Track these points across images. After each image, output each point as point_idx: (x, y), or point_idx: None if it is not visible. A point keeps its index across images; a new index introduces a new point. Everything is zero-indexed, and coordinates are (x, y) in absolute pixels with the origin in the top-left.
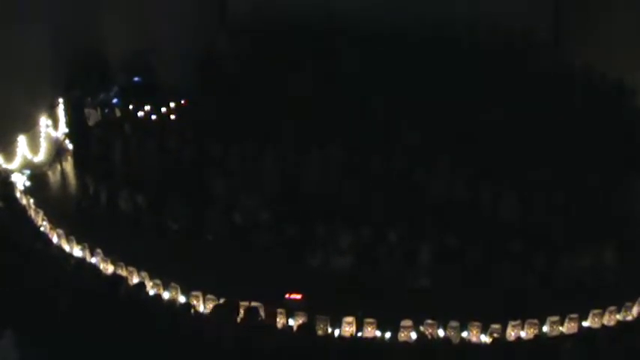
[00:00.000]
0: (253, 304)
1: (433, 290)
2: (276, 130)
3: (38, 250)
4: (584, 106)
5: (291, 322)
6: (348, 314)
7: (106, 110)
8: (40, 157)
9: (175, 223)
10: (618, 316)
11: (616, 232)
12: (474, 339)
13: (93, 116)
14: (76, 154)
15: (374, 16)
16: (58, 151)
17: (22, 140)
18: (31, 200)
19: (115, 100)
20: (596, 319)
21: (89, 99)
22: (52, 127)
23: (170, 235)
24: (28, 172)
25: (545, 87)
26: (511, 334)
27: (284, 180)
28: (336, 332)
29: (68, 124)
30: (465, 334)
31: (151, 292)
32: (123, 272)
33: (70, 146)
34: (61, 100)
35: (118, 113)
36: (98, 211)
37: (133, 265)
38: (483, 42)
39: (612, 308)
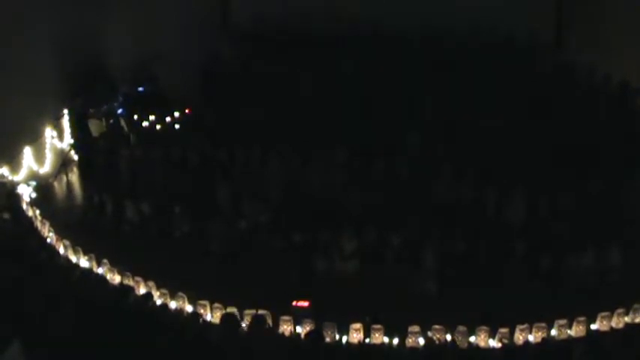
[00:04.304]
0: (260, 311)
1: (440, 294)
2: (279, 135)
3: (45, 261)
4: (588, 106)
5: (298, 329)
6: (356, 320)
7: (111, 120)
8: (46, 168)
9: (181, 232)
10: (627, 318)
11: (621, 232)
12: (482, 343)
13: (98, 127)
14: (82, 165)
15: (375, 20)
16: (63, 162)
17: (27, 152)
18: (37, 211)
19: (119, 111)
20: (605, 322)
21: (94, 109)
22: (57, 138)
23: (176, 244)
24: (33, 183)
25: (548, 88)
26: (519, 337)
27: (288, 185)
28: (344, 339)
29: (73, 135)
30: (472, 338)
31: (158, 302)
32: (130, 282)
33: (76, 157)
34: (65, 111)
35: (122, 123)
36: (104, 221)
37: (139, 274)
38: (484, 43)
39: (620, 310)
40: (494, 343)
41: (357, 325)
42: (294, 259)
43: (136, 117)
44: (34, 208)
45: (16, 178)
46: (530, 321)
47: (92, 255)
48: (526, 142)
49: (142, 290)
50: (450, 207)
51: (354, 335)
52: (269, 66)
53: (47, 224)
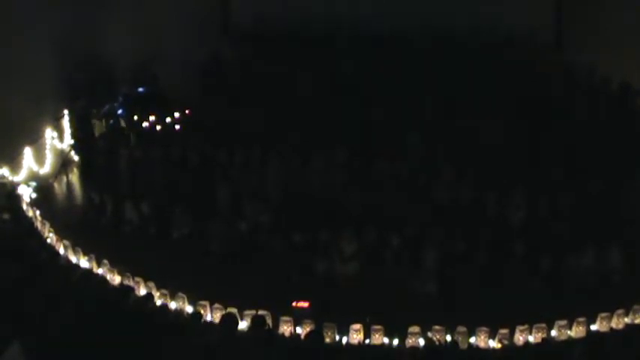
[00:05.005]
0: (260, 312)
1: (440, 295)
2: (279, 135)
3: (45, 261)
4: (588, 106)
5: (298, 330)
6: (356, 321)
7: (111, 121)
8: (46, 168)
9: (181, 232)
10: (626, 319)
11: (621, 232)
12: (481, 344)
13: (98, 127)
14: (82, 166)
15: (375, 21)
16: (63, 163)
17: (27, 152)
18: (38, 212)
19: (119, 111)
20: (605, 323)
21: (94, 110)
22: (58, 139)
23: (176, 244)
24: (34, 184)
25: (548, 88)
26: (519, 338)
27: (288, 185)
28: (344, 339)
29: (73, 135)
30: (473, 339)
31: (159, 303)
32: (130, 282)
33: (76, 157)
34: (66, 111)
35: (122, 124)
36: (104, 221)
37: (139, 275)
38: (484, 43)
39: (620, 311)
40: (494, 344)
41: (357, 326)
42: (294, 260)
43: (136, 117)
44: (35, 208)
45: (17, 178)
46: (530, 321)
47: (92, 255)
48: (526, 142)
49: (142, 291)
50: (450, 207)
51: (354, 336)
52: (269, 66)
53: (47, 225)
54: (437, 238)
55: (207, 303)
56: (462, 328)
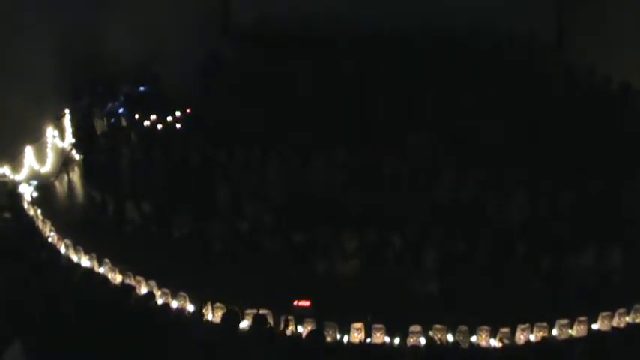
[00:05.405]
0: (261, 311)
1: (440, 295)
2: (279, 135)
3: (46, 260)
4: (589, 107)
5: (299, 328)
6: (357, 320)
7: (113, 120)
8: (47, 167)
9: (182, 232)
10: (627, 318)
11: (621, 232)
12: (483, 343)
13: (99, 126)
14: (83, 165)
15: (375, 21)
16: (65, 162)
17: (29, 151)
18: (39, 211)
19: (121, 110)
20: (606, 322)
21: (95, 109)
22: (59, 138)
23: (177, 243)
24: (35, 182)
25: (548, 88)
26: (520, 337)
27: (289, 185)
28: (345, 338)
29: (75, 134)
30: (474, 338)
31: (160, 301)
32: (131, 281)
33: (77, 156)
34: (67, 110)
35: (124, 123)
36: (105, 220)
37: (140, 274)
38: (485, 43)
39: (621, 310)
40: (495, 343)
41: (359, 325)
42: (295, 259)
43: (137, 116)
44: (36, 207)
45: (18, 177)
46: (531, 320)
47: (93, 254)
48: (526, 142)
49: (143, 290)
50: (450, 207)
51: (356, 334)
52: (269, 66)
53: (48, 224)
54: (437, 238)
55: (208, 302)
56: (463, 327)
